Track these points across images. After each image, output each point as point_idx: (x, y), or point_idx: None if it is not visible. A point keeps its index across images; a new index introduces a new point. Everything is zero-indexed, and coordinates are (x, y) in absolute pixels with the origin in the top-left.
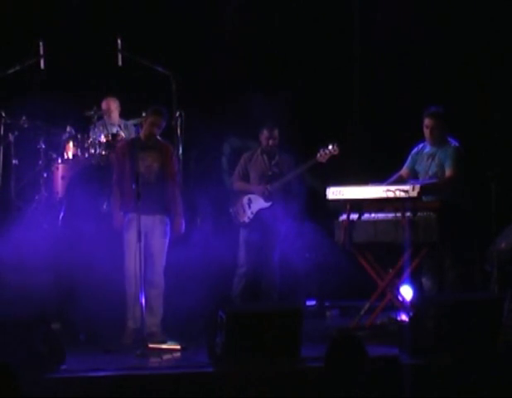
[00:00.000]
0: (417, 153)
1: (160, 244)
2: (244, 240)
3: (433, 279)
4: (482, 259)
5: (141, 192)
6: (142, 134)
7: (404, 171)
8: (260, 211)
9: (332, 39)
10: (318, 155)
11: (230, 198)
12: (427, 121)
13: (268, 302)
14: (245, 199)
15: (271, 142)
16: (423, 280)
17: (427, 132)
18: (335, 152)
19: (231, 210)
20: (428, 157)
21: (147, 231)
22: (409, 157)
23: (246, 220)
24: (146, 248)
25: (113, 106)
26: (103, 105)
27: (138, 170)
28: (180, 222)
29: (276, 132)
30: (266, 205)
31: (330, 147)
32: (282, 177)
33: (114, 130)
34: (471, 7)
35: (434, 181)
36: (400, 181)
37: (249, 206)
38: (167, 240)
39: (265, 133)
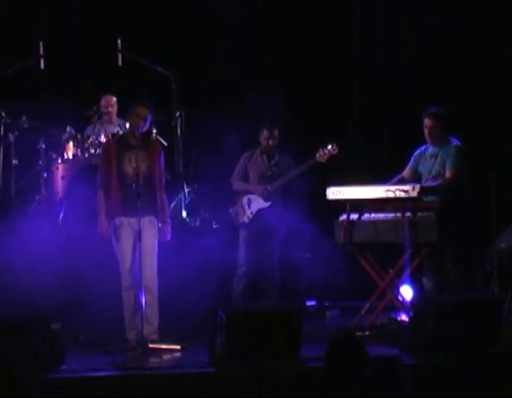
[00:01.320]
0: (419, 155)
1: (150, 246)
2: (244, 240)
3: (434, 279)
4: (482, 259)
5: (128, 194)
6: (128, 130)
7: (406, 172)
8: (260, 211)
9: (332, 39)
10: (317, 155)
11: (230, 198)
12: (426, 121)
13: (268, 302)
14: (245, 199)
15: (271, 142)
16: (424, 280)
17: (426, 132)
18: (335, 152)
19: (231, 210)
20: (431, 157)
21: (135, 234)
22: (412, 159)
23: (246, 220)
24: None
25: (112, 101)
26: (103, 102)
27: (129, 171)
28: (166, 229)
29: (276, 132)
30: (265, 205)
31: (329, 146)
32: (282, 177)
33: (114, 130)
34: (472, 6)
35: (434, 184)
36: (402, 182)
37: (249, 206)
38: (157, 242)
39: (265, 133)
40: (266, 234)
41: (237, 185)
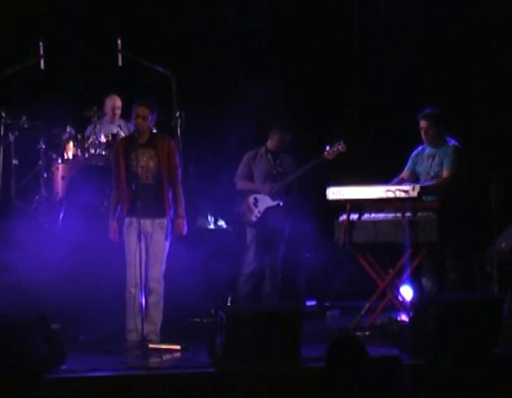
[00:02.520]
0: (417, 155)
1: (159, 250)
2: (253, 239)
3: (433, 279)
4: (482, 259)
5: (137, 195)
6: (135, 130)
7: (405, 173)
8: (267, 209)
9: (332, 39)
10: (325, 153)
11: (230, 198)
12: (421, 123)
13: (268, 302)
14: (251, 199)
15: (281, 144)
16: (423, 281)
17: (422, 133)
18: (343, 150)
19: (236, 209)
20: (429, 157)
21: (145, 236)
22: (410, 160)
23: (254, 219)
24: (145, 253)
25: (118, 103)
26: (109, 102)
27: (137, 171)
28: (181, 223)
29: (289, 137)
30: (273, 203)
31: (337, 144)
32: (289, 176)
33: (114, 130)
34: (471, 6)
35: (431, 183)
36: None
37: (256, 205)
38: (167, 245)
39: (279, 136)
40: (273, 233)
41: (242, 184)
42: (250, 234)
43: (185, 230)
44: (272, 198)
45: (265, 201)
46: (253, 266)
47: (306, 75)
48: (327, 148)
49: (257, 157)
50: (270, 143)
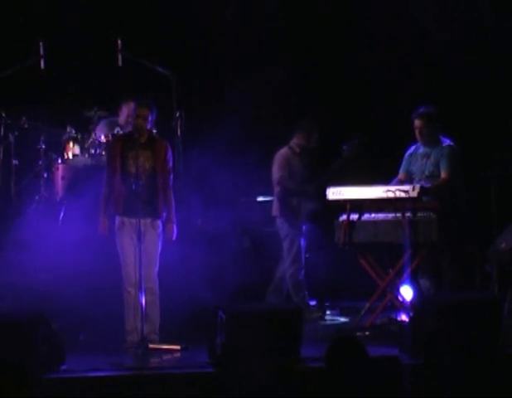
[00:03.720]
0: (410, 155)
1: (152, 249)
2: (299, 242)
3: (431, 279)
4: (482, 259)
5: (131, 194)
6: (133, 130)
7: (401, 174)
8: (311, 212)
9: (331, 40)
10: (346, 152)
11: (230, 199)
12: (416, 122)
13: (268, 302)
14: (294, 201)
15: (310, 144)
16: (421, 281)
17: (417, 133)
18: (360, 145)
19: (285, 211)
20: (423, 157)
21: (137, 235)
22: (404, 161)
23: (300, 222)
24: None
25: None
26: (126, 109)
27: (133, 170)
28: (171, 228)
29: (317, 136)
30: (313, 206)
31: (354, 140)
32: (321, 177)
33: (115, 130)
34: (470, 6)
35: (429, 185)
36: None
37: (300, 208)
38: (160, 244)
39: (315, 136)
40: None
41: (290, 184)
42: (297, 237)
43: (175, 235)
44: (312, 200)
45: (306, 204)
46: (303, 270)
47: (306, 75)
48: (344, 147)
49: (291, 157)
50: (298, 143)
